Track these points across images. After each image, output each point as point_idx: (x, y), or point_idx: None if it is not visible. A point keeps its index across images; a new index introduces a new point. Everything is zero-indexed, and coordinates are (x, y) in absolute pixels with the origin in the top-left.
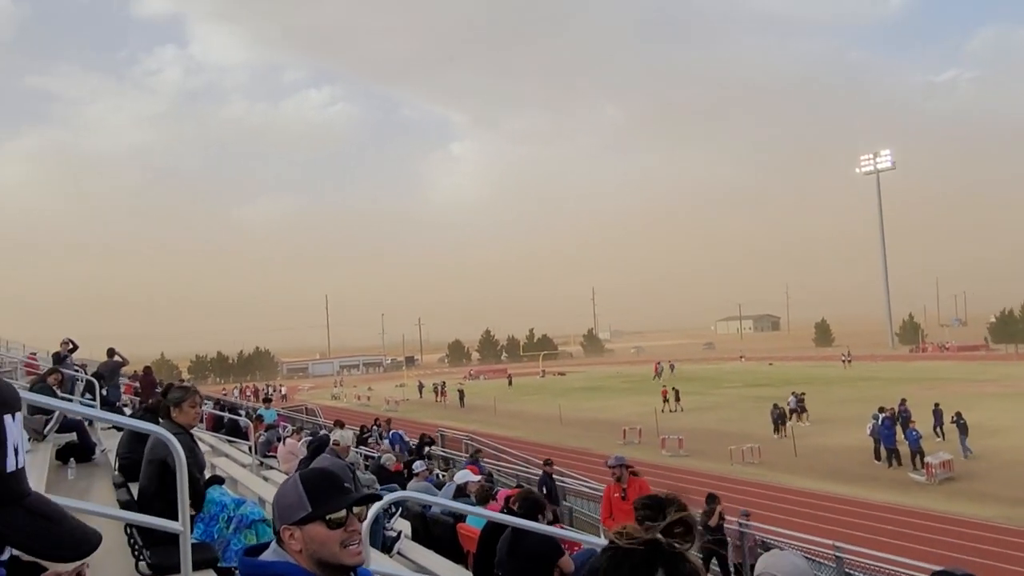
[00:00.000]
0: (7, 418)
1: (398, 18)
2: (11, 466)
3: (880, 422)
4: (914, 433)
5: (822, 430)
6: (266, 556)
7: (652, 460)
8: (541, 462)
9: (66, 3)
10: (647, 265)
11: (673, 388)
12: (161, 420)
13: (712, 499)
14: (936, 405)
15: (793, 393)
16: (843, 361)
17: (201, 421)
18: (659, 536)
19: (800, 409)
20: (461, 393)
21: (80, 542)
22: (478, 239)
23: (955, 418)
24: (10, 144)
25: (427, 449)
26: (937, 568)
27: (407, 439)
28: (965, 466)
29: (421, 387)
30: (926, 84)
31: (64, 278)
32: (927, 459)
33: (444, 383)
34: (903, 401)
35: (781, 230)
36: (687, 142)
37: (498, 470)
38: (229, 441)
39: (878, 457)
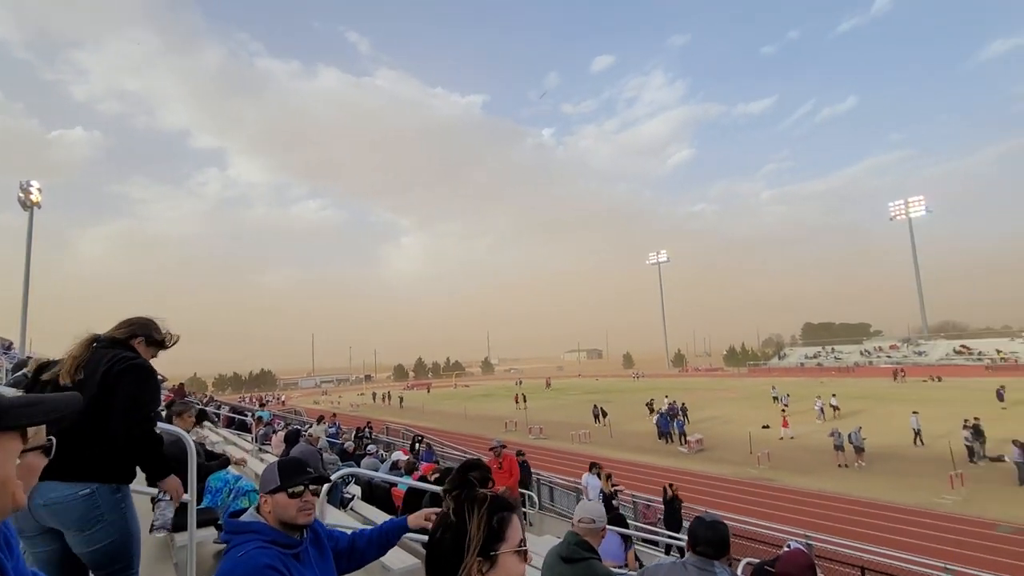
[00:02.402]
0: None
1: (370, 157)
2: None
3: (660, 414)
4: (679, 421)
5: (628, 419)
6: (245, 517)
7: (523, 442)
8: (513, 451)
9: (141, 137)
10: (521, 317)
11: (522, 394)
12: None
13: (595, 466)
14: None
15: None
16: (634, 377)
17: (219, 420)
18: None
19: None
20: (401, 399)
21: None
22: (415, 299)
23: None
24: (93, 229)
25: (417, 445)
26: (699, 511)
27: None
28: (710, 442)
29: (375, 395)
30: (687, 212)
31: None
32: (688, 438)
33: (389, 392)
34: (673, 402)
35: (605, 296)
36: (548, 241)
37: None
38: (238, 434)
39: (660, 437)
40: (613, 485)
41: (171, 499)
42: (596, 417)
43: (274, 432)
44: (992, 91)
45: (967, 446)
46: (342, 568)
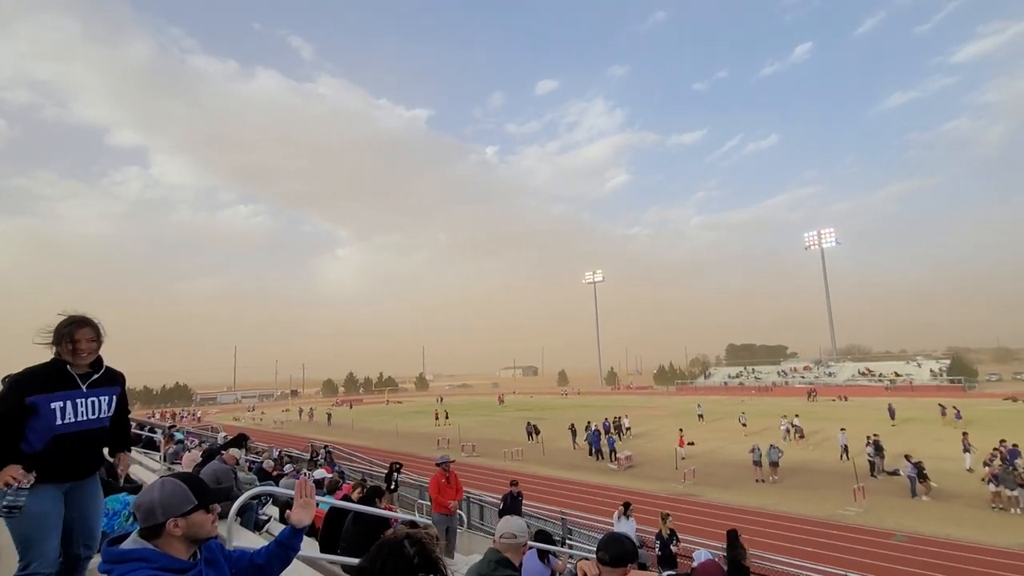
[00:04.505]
0: None
1: (305, 163)
2: None
3: (592, 432)
4: (611, 439)
5: (562, 436)
6: (127, 544)
7: (456, 459)
8: (508, 483)
9: (50, 130)
10: (458, 332)
11: (444, 411)
12: None
13: (665, 516)
14: (608, 419)
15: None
16: (563, 394)
17: None
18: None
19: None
20: (329, 415)
21: None
22: (348, 312)
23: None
24: None
25: (395, 475)
26: (608, 524)
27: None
28: (639, 458)
29: (301, 412)
30: (623, 234)
31: (28, 323)
32: (618, 455)
33: (312, 409)
34: (606, 419)
35: (542, 315)
36: (487, 258)
37: (351, 468)
38: (145, 452)
39: (591, 454)
40: (670, 529)
41: (7, 485)
42: (529, 434)
43: (186, 450)
44: (892, 137)
45: (869, 461)
46: None
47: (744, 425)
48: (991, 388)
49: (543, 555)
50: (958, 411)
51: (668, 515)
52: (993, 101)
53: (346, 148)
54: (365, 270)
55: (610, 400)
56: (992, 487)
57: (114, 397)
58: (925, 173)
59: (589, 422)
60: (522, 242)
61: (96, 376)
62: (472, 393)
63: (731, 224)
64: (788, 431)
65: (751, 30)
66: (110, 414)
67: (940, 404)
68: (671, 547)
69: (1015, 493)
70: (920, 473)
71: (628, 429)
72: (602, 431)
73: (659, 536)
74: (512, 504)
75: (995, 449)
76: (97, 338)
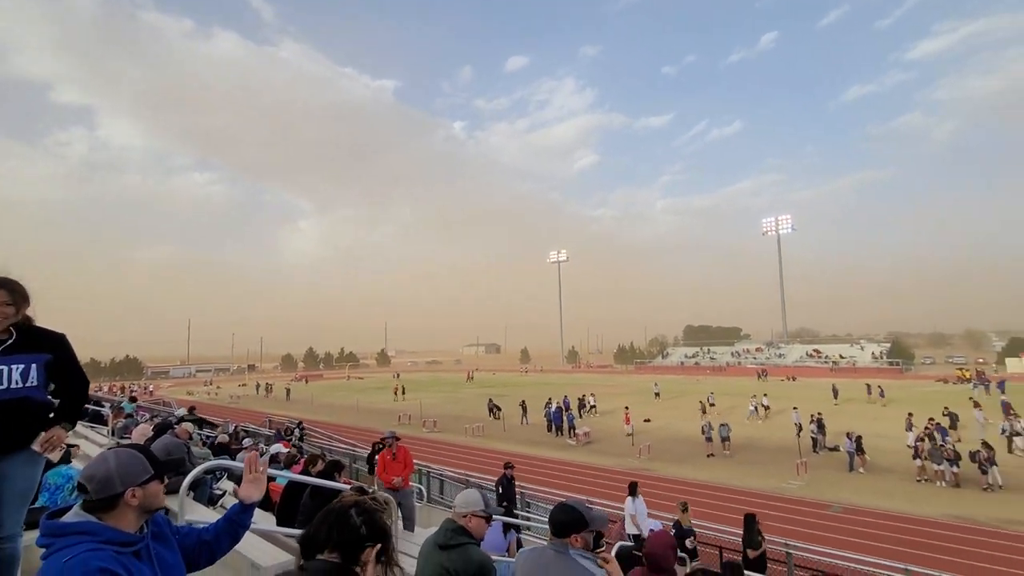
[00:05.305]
0: None
1: (266, 131)
2: None
3: (552, 409)
4: (570, 415)
5: (520, 413)
6: (68, 518)
7: (417, 435)
8: (502, 465)
9: None
10: (421, 309)
11: (402, 386)
12: None
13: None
14: (573, 396)
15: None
16: (524, 371)
17: None
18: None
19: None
20: (288, 390)
21: None
22: (309, 286)
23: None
24: None
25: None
26: (565, 496)
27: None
28: (596, 434)
29: (258, 386)
30: (589, 216)
31: None
32: (577, 431)
33: (270, 383)
34: (566, 396)
35: (505, 293)
36: (452, 234)
37: (311, 443)
38: (91, 426)
39: (550, 430)
40: (690, 520)
41: None
42: (491, 411)
43: (136, 424)
44: (850, 129)
45: (812, 438)
46: (193, 563)
47: (712, 405)
48: (925, 370)
49: (505, 528)
50: (882, 390)
51: (687, 504)
52: (944, 98)
53: (309, 116)
54: (327, 243)
55: (570, 378)
56: (917, 462)
57: (35, 365)
58: (879, 165)
59: (550, 399)
60: (488, 219)
61: (9, 342)
62: (439, 370)
63: (694, 209)
64: (756, 410)
65: (720, 15)
66: (31, 384)
67: (867, 384)
68: (687, 541)
69: (941, 467)
70: (859, 447)
71: (593, 407)
72: (563, 408)
73: (676, 525)
74: (507, 487)
75: (927, 427)
76: (12, 302)
